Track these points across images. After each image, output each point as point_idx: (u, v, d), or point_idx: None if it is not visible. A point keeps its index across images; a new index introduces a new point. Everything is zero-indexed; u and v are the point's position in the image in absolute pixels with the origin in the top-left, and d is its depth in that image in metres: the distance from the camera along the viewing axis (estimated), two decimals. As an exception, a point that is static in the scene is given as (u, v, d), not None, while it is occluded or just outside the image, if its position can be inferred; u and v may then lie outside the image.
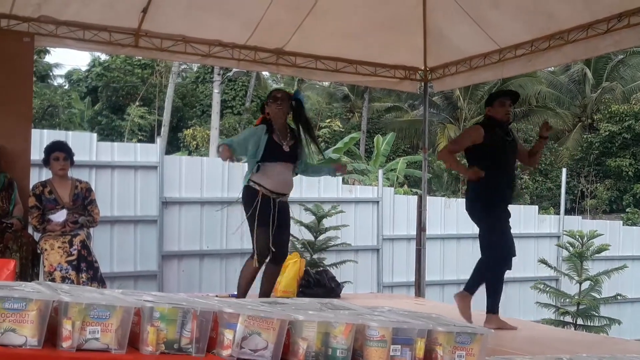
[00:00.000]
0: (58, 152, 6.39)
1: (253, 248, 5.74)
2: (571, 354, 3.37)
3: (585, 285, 9.28)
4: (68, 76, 32.28)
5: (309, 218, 8.89)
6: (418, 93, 9.01)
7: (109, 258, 8.09)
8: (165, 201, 8.48)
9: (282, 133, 5.84)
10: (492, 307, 5.79)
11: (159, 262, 8.48)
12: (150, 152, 8.61)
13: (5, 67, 6.57)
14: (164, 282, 8.50)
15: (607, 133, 25.26)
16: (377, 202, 10.00)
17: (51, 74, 31.17)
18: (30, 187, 6.43)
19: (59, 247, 5.90)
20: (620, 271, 9.55)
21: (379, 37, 7.80)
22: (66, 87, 31.86)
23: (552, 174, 25.06)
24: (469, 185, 5.99)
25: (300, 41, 7.71)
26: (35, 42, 6.86)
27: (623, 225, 12.90)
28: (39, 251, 5.97)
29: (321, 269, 8.15)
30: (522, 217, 11.17)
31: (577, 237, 9.34)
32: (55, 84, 31.60)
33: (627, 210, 23.69)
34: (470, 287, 5.86)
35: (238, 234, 9.15)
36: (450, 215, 10.48)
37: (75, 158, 6.56)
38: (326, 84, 27.43)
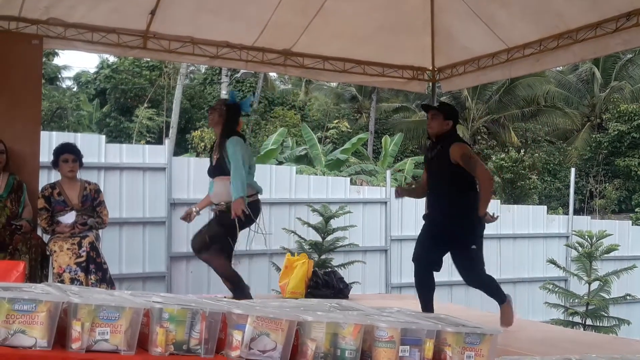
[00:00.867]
0: (67, 154, 6.41)
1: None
2: (580, 354, 3.35)
3: (595, 285, 9.25)
4: (76, 78, 32.39)
5: (316, 219, 8.89)
6: (426, 93, 8.99)
7: (118, 259, 8.10)
8: (174, 202, 8.49)
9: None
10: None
11: (168, 263, 8.50)
12: (159, 153, 8.63)
13: (15, 69, 6.59)
14: (172, 283, 8.51)
15: (615, 132, 25.16)
16: (385, 202, 9.99)
17: (60, 76, 31.27)
18: (40, 189, 6.46)
19: (67, 249, 5.91)
20: (630, 271, 9.51)
21: (386, 38, 7.79)
22: (75, 89, 31.96)
23: (560, 173, 24.98)
24: None
25: (308, 42, 7.71)
26: (44, 45, 6.89)
27: (632, 225, 12.82)
28: (48, 253, 5.99)
29: (329, 269, 8.15)
30: (531, 217, 11.13)
31: (586, 237, 9.30)
32: (64, 86, 31.71)
33: (636, 210, 23.58)
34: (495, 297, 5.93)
35: (244, 236, 9.19)
36: (459, 215, 10.45)
37: (84, 160, 6.57)
38: (334, 84, 27.43)
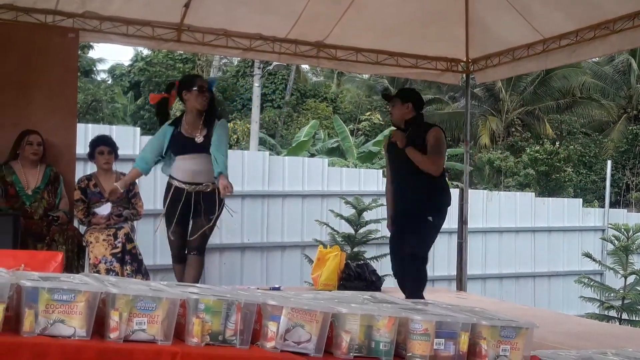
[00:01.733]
0: (103, 146, 6.49)
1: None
2: (616, 348, 3.32)
3: (631, 279, 9.16)
4: (111, 71, 32.69)
5: (349, 211, 8.89)
6: (460, 85, 8.93)
7: (152, 251, 8.18)
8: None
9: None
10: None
11: (201, 254, 8.54)
12: (192, 145, 8.65)
13: (51, 62, 6.68)
14: (205, 275, 8.56)
15: (653, 124, 24.77)
16: (418, 194, 9.93)
17: (95, 69, 31.58)
18: (76, 180, 6.55)
19: (103, 240, 5.99)
20: (667, 265, 9.40)
21: (420, 29, 7.74)
22: (109, 81, 32.24)
23: (596, 166, 24.64)
24: None
25: (340, 34, 7.69)
26: (80, 38, 6.97)
27: (670, 218, 12.63)
28: (84, 244, 6.07)
29: (362, 262, 8.15)
30: (566, 211, 11.02)
31: (623, 230, 9.21)
32: (99, 78, 32.01)
33: (674, 202, 23.24)
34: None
35: (278, 227, 9.21)
36: (492, 208, 10.34)
37: (119, 152, 6.65)
38: (366, 76, 27.31)
